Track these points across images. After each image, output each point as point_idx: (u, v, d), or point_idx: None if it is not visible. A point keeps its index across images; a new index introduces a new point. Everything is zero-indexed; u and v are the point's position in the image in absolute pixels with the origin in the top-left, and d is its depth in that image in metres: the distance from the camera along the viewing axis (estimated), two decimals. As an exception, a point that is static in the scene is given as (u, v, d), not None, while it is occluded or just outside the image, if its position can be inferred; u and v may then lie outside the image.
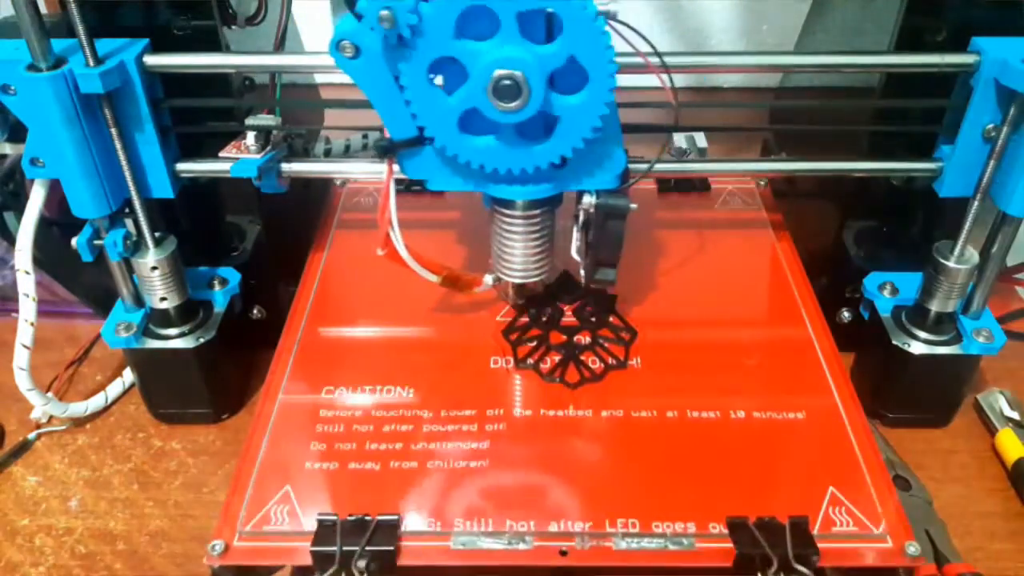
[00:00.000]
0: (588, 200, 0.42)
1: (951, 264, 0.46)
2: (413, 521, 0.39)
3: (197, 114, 0.45)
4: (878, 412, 0.52)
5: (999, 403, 0.53)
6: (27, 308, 0.46)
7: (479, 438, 0.43)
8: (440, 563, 0.38)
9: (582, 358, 0.47)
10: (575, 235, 0.45)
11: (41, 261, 0.48)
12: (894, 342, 0.49)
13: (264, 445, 0.43)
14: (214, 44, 0.46)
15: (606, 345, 0.48)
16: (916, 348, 0.48)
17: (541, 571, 0.39)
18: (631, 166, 0.43)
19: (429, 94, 0.37)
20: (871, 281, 0.51)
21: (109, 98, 0.41)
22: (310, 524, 0.39)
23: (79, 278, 0.55)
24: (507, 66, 0.35)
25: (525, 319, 0.49)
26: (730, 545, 0.38)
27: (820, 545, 0.37)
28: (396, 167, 0.42)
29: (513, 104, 0.36)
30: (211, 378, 0.51)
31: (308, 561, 0.38)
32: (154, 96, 0.43)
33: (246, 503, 0.40)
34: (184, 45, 0.45)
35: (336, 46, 0.36)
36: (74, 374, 0.57)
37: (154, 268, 0.46)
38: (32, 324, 0.47)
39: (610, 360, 0.47)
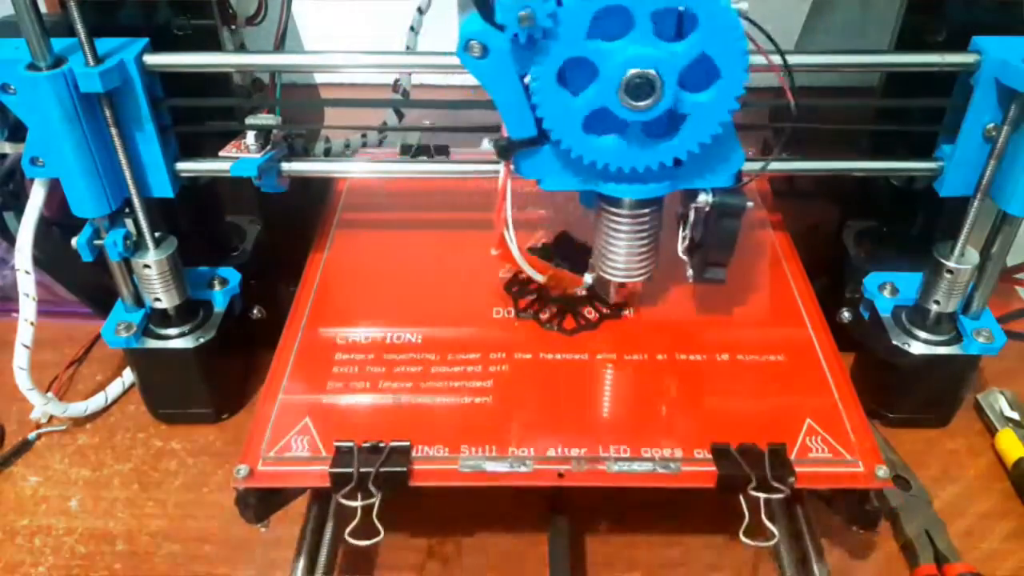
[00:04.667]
0: (704, 198, 0.42)
1: (951, 264, 0.46)
2: (423, 448, 0.42)
3: (197, 113, 0.45)
4: (878, 412, 0.52)
5: (999, 403, 0.53)
6: (27, 308, 0.46)
7: (483, 377, 0.46)
8: (448, 483, 0.41)
9: (579, 309, 0.50)
10: (681, 234, 0.45)
11: (41, 261, 0.48)
12: (894, 342, 0.49)
13: (285, 381, 0.46)
14: (214, 44, 0.46)
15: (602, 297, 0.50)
16: (916, 348, 0.48)
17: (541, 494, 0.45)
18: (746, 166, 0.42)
19: (558, 93, 0.37)
20: (871, 281, 0.51)
21: (109, 97, 0.41)
22: (328, 451, 0.41)
23: (79, 278, 0.55)
24: (641, 65, 0.35)
25: (525, 275, 0.51)
26: (713, 468, 0.40)
27: (796, 469, 0.40)
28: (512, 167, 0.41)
29: (644, 103, 0.36)
30: (211, 378, 0.51)
31: (326, 483, 0.40)
32: (154, 95, 0.43)
33: (268, 433, 0.43)
34: (184, 45, 0.45)
35: (464, 46, 0.36)
36: (74, 374, 0.57)
37: (154, 268, 0.46)
38: (32, 324, 0.47)
39: (605, 310, 0.50)
